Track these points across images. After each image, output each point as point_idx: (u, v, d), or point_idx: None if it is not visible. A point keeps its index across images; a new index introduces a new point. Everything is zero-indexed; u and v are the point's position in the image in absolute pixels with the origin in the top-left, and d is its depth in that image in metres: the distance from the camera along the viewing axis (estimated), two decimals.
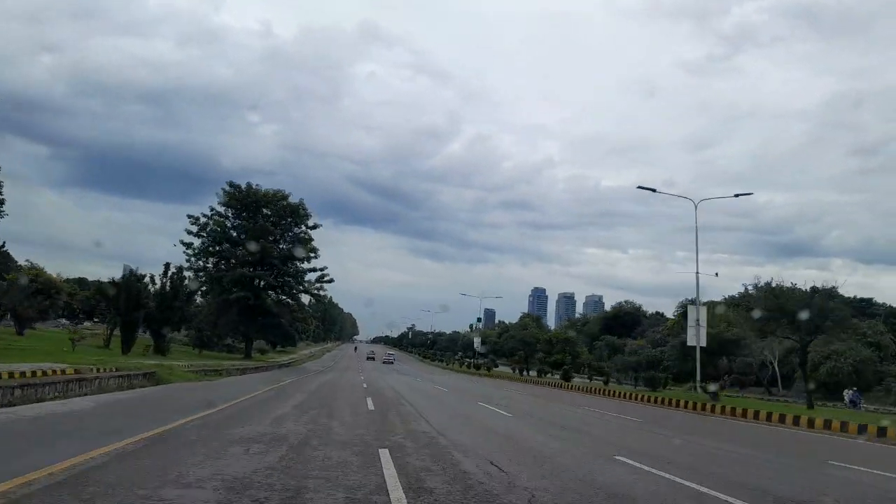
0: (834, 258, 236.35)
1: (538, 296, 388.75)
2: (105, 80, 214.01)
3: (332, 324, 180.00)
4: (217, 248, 51.43)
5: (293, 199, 53.95)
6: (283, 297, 55.38)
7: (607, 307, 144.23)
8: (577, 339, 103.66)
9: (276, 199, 53.09)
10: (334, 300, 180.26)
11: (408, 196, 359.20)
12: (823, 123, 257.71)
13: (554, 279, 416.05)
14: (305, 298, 57.47)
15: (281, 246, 53.92)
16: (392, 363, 76.86)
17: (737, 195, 33.22)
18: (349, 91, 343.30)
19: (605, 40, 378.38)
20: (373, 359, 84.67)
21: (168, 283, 39.62)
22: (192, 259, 51.26)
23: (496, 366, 72.81)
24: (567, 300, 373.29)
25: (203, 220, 51.24)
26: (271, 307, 52.13)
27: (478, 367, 63.94)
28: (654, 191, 35.45)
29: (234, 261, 51.16)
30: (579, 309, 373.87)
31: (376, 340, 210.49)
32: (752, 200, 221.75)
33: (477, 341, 68.76)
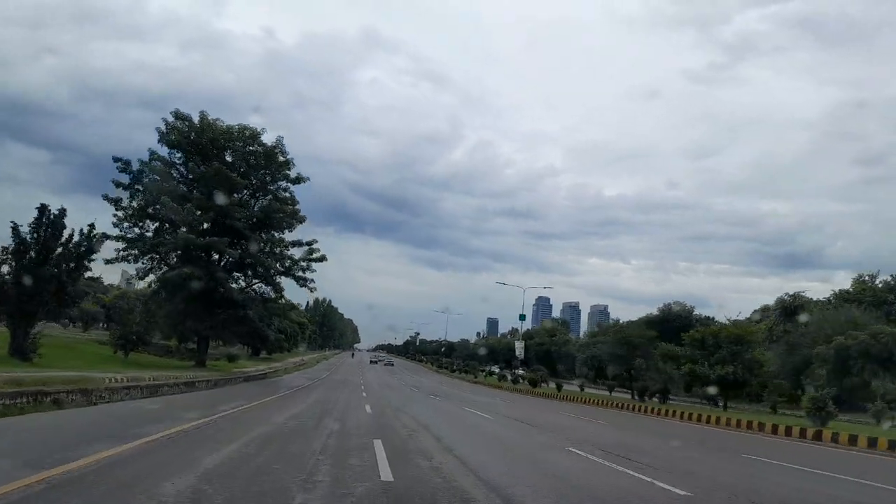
0: (837, 270, 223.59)
1: (542, 304, 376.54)
2: (105, 85, 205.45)
3: (331, 330, 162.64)
4: (156, 209, 34.48)
5: (267, 139, 37.23)
6: (255, 282, 38.57)
7: (613, 316, 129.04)
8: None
9: (242, 138, 36.44)
10: (333, 304, 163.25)
11: (409, 203, 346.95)
12: (826, 133, 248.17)
13: (556, 289, 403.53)
14: (288, 286, 40.63)
15: (251, 206, 37.30)
16: (392, 365, 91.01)
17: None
18: (351, 97, 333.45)
19: (607, 48, 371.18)
20: (376, 363, 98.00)
21: (40, 238, 22.92)
22: (124, 223, 34.50)
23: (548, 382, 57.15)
24: (572, 309, 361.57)
25: (138, 166, 34.55)
26: (234, 295, 35.24)
27: (533, 384, 46.51)
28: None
29: (184, 228, 34.20)
30: (584, 319, 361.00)
31: (378, 348, 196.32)
32: (755, 209, 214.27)
33: (519, 347, 51.99)
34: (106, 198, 33.68)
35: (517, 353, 51.62)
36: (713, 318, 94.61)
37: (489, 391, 45.44)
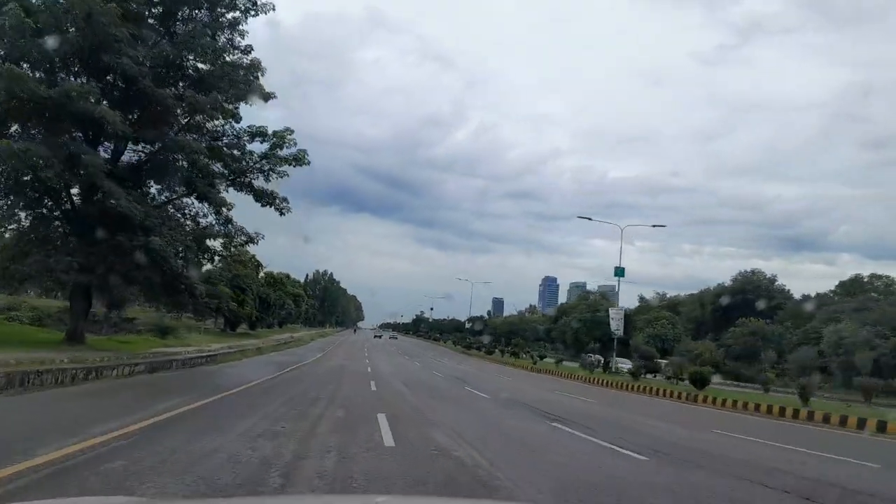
0: (842, 253, 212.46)
1: (549, 285, 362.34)
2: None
3: (332, 305, 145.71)
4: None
5: None
6: (178, 189, 21.28)
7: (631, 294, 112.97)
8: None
9: None
10: (335, 278, 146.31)
11: (413, 184, 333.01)
12: (834, 115, 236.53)
13: (560, 270, 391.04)
14: (244, 209, 23.16)
15: (162, 47, 19.61)
16: (396, 339, 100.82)
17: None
18: (354, 77, 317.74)
19: (614, 29, 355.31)
20: (379, 337, 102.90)
21: None
22: None
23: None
24: (579, 289, 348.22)
25: None
26: (128, 209, 17.73)
27: (701, 383, 28.09)
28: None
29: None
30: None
31: (384, 326, 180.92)
32: (760, 193, 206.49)
33: (617, 318, 33.49)
34: None
35: (613, 328, 34.00)
36: (789, 291, 77.39)
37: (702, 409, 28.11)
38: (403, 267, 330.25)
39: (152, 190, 21.89)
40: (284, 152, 21.69)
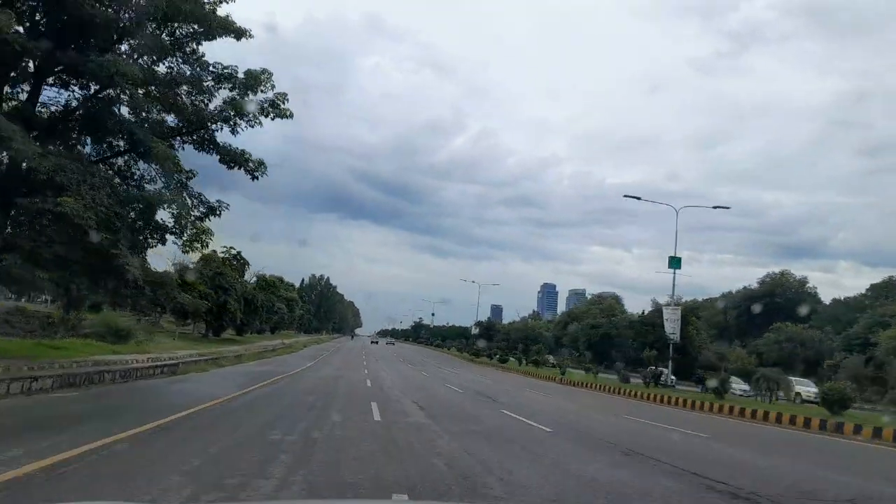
0: (839, 260, 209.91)
1: (548, 292, 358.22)
2: None
3: (329, 311, 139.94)
4: None
5: None
6: (116, 144, 15.90)
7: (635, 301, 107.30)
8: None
9: None
10: (332, 283, 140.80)
11: (411, 191, 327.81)
12: (831, 123, 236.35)
13: (559, 277, 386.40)
14: (209, 174, 17.80)
15: None
16: (393, 344, 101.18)
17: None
18: (353, 84, 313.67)
19: (612, 36, 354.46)
20: (376, 343, 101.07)
21: None
22: None
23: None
24: (578, 296, 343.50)
25: None
26: (33, 159, 12.35)
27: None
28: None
29: None
30: None
31: (382, 333, 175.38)
32: (758, 200, 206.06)
33: (672, 319, 27.27)
34: None
35: (668, 331, 27.98)
36: (816, 292, 72.05)
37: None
38: (401, 274, 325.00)
39: (87, 149, 16.57)
40: (259, 97, 16.32)
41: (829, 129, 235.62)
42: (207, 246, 18.35)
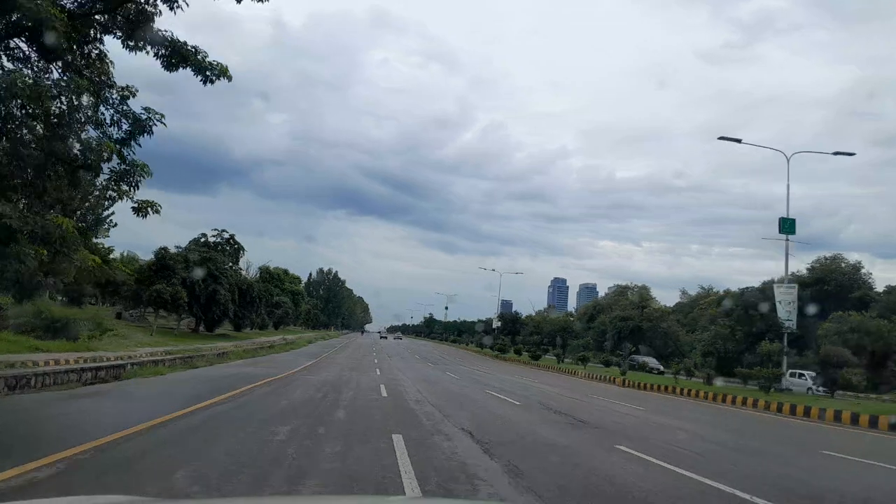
0: (850, 251, 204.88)
1: (558, 286, 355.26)
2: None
3: (337, 306, 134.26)
4: None
5: None
6: None
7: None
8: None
9: None
10: (340, 276, 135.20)
11: (420, 187, 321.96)
12: (842, 113, 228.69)
13: (568, 272, 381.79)
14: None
15: None
16: (401, 339, 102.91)
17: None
18: (360, 79, 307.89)
19: (619, 28, 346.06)
20: (385, 337, 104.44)
21: None
22: None
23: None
24: (589, 291, 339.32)
25: None
26: None
27: None
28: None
29: None
30: None
31: (391, 329, 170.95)
32: (770, 193, 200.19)
33: (785, 298, 20.69)
34: None
35: (783, 316, 21.10)
36: (871, 279, 65.16)
37: None
38: (411, 269, 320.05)
39: None
40: None
41: (841, 120, 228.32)
42: (157, 211, 12.12)
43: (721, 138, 20.39)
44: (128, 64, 12.03)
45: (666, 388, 24.35)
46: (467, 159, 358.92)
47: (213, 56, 11.01)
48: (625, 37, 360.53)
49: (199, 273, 32.79)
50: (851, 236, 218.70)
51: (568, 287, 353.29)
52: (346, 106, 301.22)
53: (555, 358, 43.92)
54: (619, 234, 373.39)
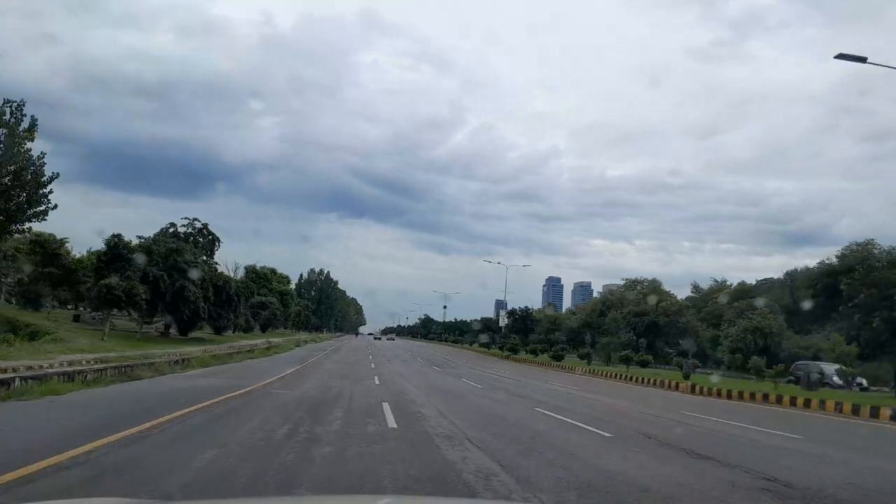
0: (842, 247, 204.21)
1: (553, 285, 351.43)
2: (102, 74, 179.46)
3: (330, 308, 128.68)
4: None
5: None
6: None
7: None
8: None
9: None
10: (332, 277, 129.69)
11: (412, 188, 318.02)
12: (833, 109, 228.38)
13: (561, 271, 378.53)
14: None
15: None
16: (394, 340, 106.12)
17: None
18: (351, 81, 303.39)
19: (609, 27, 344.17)
20: (379, 338, 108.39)
21: None
22: None
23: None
24: (583, 289, 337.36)
25: None
26: None
27: None
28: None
29: None
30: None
31: (386, 331, 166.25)
32: (761, 188, 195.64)
33: None
34: None
35: None
36: None
37: None
38: (404, 271, 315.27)
39: None
40: None
41: (831, 116, 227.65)
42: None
43: (839, 56, 15.72)
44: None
45: (765, 396, 19.20)
46: (459, 160, 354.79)
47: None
48: (617, 36, 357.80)
49: (149, 264, 27.64)
50: (844, 231, 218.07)
51: (563, 286, 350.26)
52: (338, 108, 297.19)
53: (579, 359, 38.70)
54: (613, 232, 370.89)
